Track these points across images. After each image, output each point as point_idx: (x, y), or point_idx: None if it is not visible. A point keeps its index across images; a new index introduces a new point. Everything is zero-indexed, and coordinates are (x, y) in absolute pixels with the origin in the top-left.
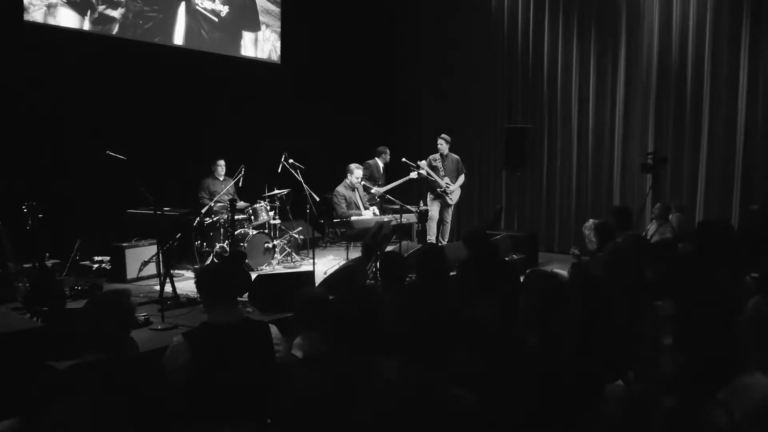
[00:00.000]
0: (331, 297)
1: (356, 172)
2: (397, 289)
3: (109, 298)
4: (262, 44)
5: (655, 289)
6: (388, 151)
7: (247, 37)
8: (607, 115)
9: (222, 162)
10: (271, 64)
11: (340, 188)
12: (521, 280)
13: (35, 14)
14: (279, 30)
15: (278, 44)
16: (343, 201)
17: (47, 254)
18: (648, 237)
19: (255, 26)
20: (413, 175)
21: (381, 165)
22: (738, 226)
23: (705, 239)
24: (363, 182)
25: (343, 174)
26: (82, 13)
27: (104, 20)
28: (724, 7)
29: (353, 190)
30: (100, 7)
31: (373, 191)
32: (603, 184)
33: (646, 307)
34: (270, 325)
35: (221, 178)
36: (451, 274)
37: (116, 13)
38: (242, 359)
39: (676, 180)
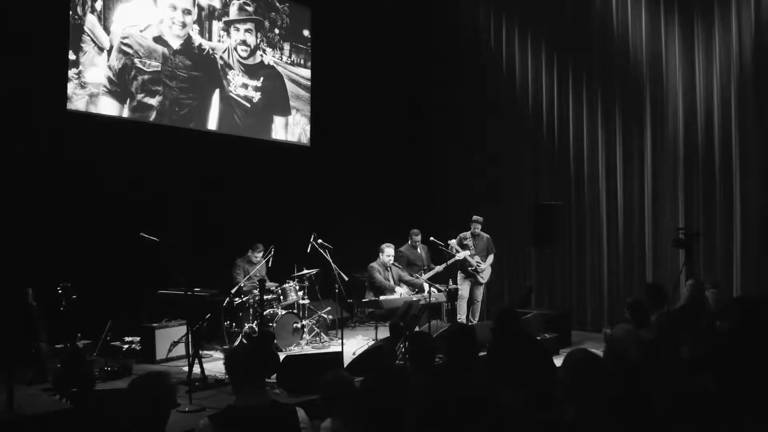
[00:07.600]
0: (357, 379)
1: (387, 251)
2: (426, 371)
3: (151, 381)
4: (292, 128)
5: (692, 368)
6: (412, 235)
7: (278, 121)
8: (636, 192)
9: (260, 247)
10: (300, 147)
11: (375, 264)
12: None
13: (78, 103)
14: (309, 114)
15: (308, 127)
16: (378, 274)
17: (79, 335)
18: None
19: (286, 111)
20: (455, 257)
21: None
22: None
23: (742, 316)
24: (410, 274)
25: (371, 254)
26: (122, 102)
27: (142, 108)
28: (749, 80)
29: (386, 269)
30: (139, 96)
31: (418, 280)
32: (635, 262)
33: (684, 388)
34: (297, 408)
35: (256, 261)
36: (481, 354)
37: (154, 101)
38: None
39: (710, 255)
